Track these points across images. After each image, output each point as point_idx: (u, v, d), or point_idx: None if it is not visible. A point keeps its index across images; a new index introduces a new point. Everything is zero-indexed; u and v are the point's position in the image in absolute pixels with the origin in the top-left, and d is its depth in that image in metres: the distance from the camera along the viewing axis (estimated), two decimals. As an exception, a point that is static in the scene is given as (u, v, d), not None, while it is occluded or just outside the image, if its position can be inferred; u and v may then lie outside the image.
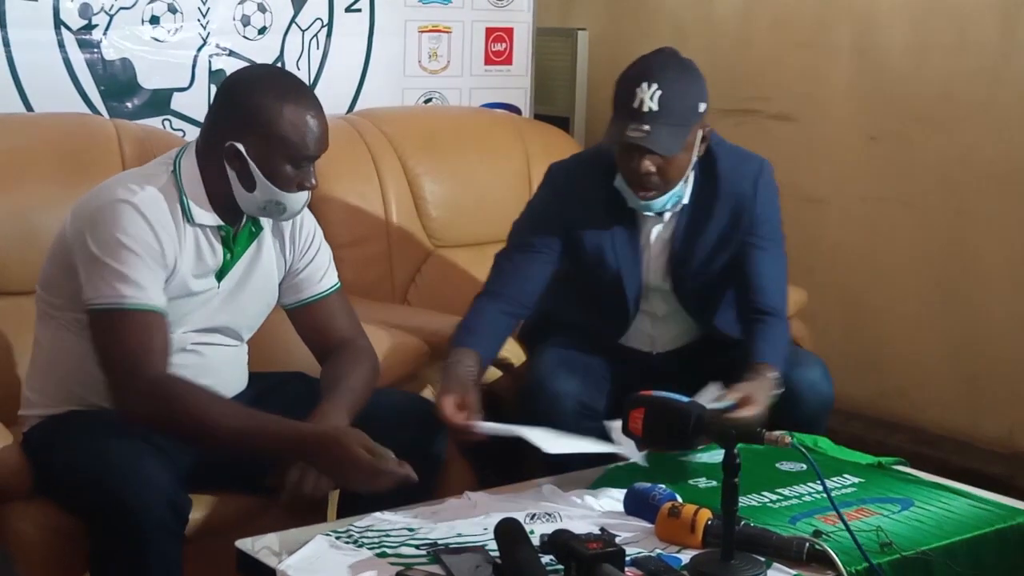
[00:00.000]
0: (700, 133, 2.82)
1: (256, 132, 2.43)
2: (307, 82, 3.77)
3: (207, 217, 2.50)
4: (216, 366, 2.58)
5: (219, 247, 2.53)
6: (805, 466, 2.55)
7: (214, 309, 2.55)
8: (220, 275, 2.55)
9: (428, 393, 3.01)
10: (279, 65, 3.73)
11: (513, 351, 3.18)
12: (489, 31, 4.21)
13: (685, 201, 2.90)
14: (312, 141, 2.46)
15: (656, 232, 2.94)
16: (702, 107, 2.79)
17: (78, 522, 2.40)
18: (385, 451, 2.32)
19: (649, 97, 2.70)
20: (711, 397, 2.59)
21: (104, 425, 2.40)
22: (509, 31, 4.25)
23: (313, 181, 2.50)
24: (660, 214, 2.91)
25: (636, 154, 2.75)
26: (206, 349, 2.56)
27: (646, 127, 2.70)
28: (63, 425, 2.48)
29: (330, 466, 2.34)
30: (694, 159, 2.84)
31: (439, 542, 2.21)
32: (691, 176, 2.88)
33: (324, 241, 2.72)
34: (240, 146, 2.44)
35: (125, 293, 2.36)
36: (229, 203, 2.50)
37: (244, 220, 2.56)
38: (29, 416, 2.56)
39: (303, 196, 2.51)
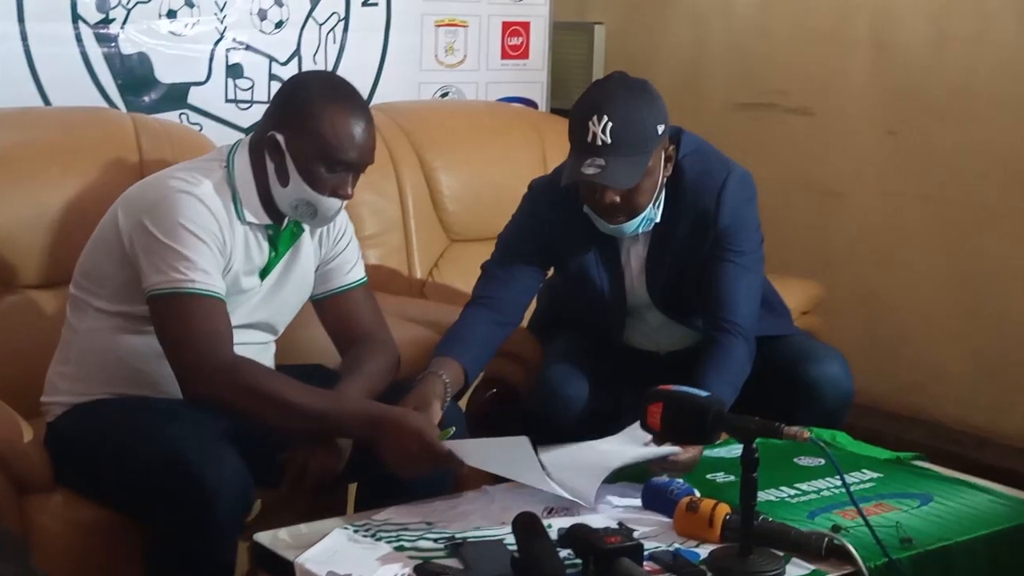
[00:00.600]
0: (663, 154, 2.75)
1: (297, 126, 2.45)
2: (324, 76, 3.79)
3: (256, 216, 2.51)
4: None
5: (265, 245, 2.54)
6: (823, 461, 2.55)
7: (254, 306, 2.56)
8: (264, 273, 2.56)
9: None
10: (296, 60, 3.73)
11: (526, 344, 3.17)
12: (506, 25, 4.20)
13: (657, 220, 2.84)
14: (350, 146, 2.45)
15: (634, 250, 2.91)
16: (660, 129, 2.70)
17: (105, 515, 2.41)
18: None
19: (601, 130, 2.62)
20: (642, 441, 2.47)
21: (155, 412, 2.40)
22: (526, 25, 4.24)
23: (349, 190, 2.49)
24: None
25: (596, 188, 2.70)
26: (238, 340, 2.54)
27: (601, 161, 2.63)
28: (96, 414, 2.47)
29: (393, 447, 2.33)
30: (661, 180, 2.77)
31: (457, 536, 2.21)
32: (661, 195, 2.81)
33: (355, 236, 2.73)
34: (280, 137, 2.45)
35: (193, 277, 2.37)
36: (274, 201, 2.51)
37: (287, 219, 2.56)
38: (53, 404, 2.55)
39: (335, 203, 2.50)
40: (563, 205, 2.86)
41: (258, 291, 2.56)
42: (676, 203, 2.83)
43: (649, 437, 2.40)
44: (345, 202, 2.54)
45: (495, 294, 2.86)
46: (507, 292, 2.87)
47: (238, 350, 2.52)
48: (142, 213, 2.42)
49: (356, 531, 2.22)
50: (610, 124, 2.63)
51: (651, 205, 2.77)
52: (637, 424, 2.45)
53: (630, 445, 2.47)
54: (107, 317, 2.50)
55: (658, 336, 3.03)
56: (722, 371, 2.75)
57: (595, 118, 2.63)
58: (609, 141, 2.63)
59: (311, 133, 2.44)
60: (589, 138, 2.64)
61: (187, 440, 2.28)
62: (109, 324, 2.50)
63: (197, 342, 2.36)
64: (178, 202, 2.41)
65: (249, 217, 2.50)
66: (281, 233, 2.56)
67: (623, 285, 2.92)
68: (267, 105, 2.59)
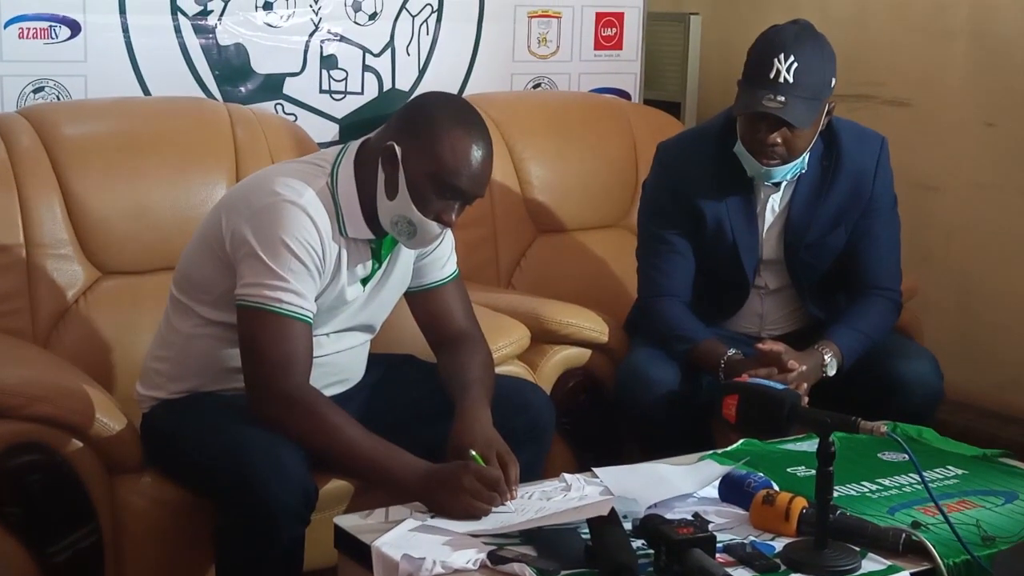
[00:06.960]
0: (826, 108, 2.86)
1: (417, 141, 2.40)
2: (416, 67, 3.82)
3: (359, 231, 2.48)
4: (346, 362, 2.62)
5: (369, 258, 2.53)
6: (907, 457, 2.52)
7: (355, 310, 2.57)
8: (366, 281, 2.56)
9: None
10: (389, 51, 3.77)
11: (613, 336, 3.16)
12: (599, 16, 4.19)
13: (803, 171, 2.92)
14: (465, 173, 2.39)
15: (772, 201, 2.96)
16: (832, 83, 2.85)
17: (188, 497, 2.48)
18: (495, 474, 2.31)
19: (786, 69, 2.74)
20: (708, 481, 2.41)
21: (235, 410, 2.43)
22: (620, 16, 4.23)
23: (453, 218, 2.44)
24: (777, 184, 2.92)
25: (764, 125, 2.79)
26: (340, 346, 2.58)
27: (781, 98, 2.74)
28: (188, 408, 2.51)
29: (445, 503, 2.28)
30: (817, 133, 2.88)
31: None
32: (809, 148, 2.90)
33: (450, 229, 2.65)
34: (398, 149, 2.40)
35: (282, 298, 2.36)
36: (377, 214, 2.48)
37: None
38: (148, 396, 2.59)
39: (436, 229, 2.44)
40: (696, 156, 2.97)
41: (361, 298, 2.56)
42: (833, 160, 2.95)
43: (715, 480, 2.37)
44: (446, 230, 2.50)
45: (676, 291, 2.99)
46: (681, 284, 3.00)
47: (339, 349, 2.57)
48: (245, 220, 2.40)
49: (433, 516, 2.24)
50: (795, 65, 2.75)
51: (805, 154, 2.85)
52: (710, 462, 2.46)
53: (691, 478, 2.41)
54: (209, 325, 2.51)
55: (765, 308, 3.04)
56: (856, 319, 2.93)
57: (781, 56, 2.76)
58: (792, 80, 2.75)
59: (429, 151, 2.39)
60: (772, 74, 2.75)
61: (252, 442, 2.33)
62: (211, 332, 2.51)
63: (270, 364, 2.37)
64: (283, 213, 2.38)
65: (352, 233, 2.47)
66: (382, 243, 2.54)
67: (756, 235, 2.97)
68: (389, 116, 2.53)
